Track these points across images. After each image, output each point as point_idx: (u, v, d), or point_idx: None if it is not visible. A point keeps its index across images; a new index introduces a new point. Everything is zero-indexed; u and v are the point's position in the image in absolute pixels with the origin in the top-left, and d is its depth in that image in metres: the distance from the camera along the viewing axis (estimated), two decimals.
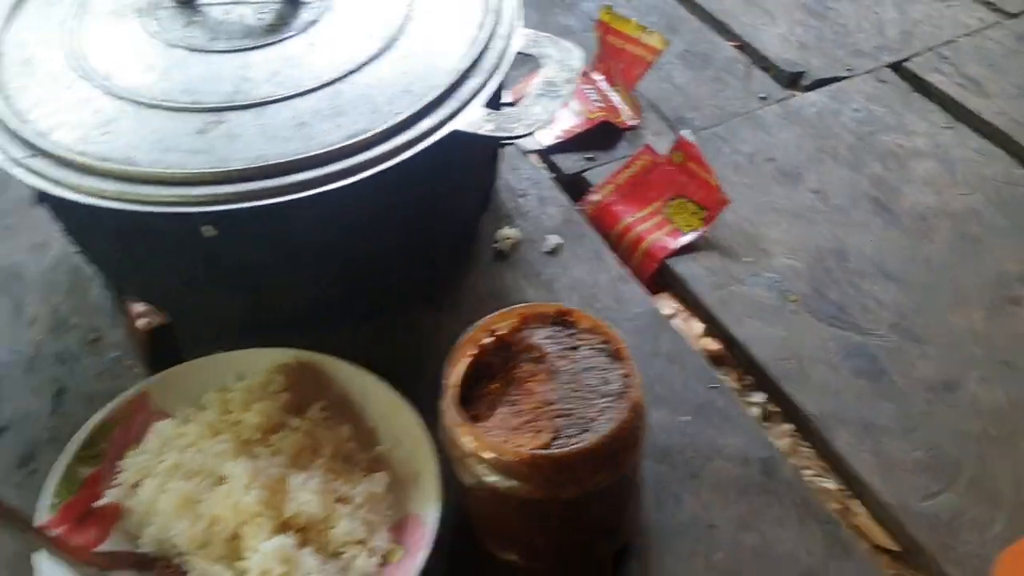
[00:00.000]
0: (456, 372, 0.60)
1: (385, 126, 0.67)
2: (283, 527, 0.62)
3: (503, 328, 0.62)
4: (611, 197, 0.90)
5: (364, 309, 0.80)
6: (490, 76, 0.72)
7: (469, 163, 0.79)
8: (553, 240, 0.86)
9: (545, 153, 0.97)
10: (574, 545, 0.63)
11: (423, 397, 0.75)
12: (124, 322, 0.83)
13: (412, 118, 0.68)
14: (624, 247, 0.87)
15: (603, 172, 0.93)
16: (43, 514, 0.63)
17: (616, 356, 0.60)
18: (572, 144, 0.97)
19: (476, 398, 0.60)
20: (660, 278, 0.86)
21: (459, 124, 0.69)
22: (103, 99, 0.71)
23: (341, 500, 0.64)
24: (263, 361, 0.72)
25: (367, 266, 0.76)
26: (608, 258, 0.85)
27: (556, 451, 0.55)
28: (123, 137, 0.68)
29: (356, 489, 0.65)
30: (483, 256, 0.86)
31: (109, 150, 0.67)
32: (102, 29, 0.77)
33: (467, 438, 0.57)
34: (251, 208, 0.64)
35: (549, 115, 0.70)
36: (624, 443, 0.57)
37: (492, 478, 0.57)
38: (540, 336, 0.62)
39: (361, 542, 0.63)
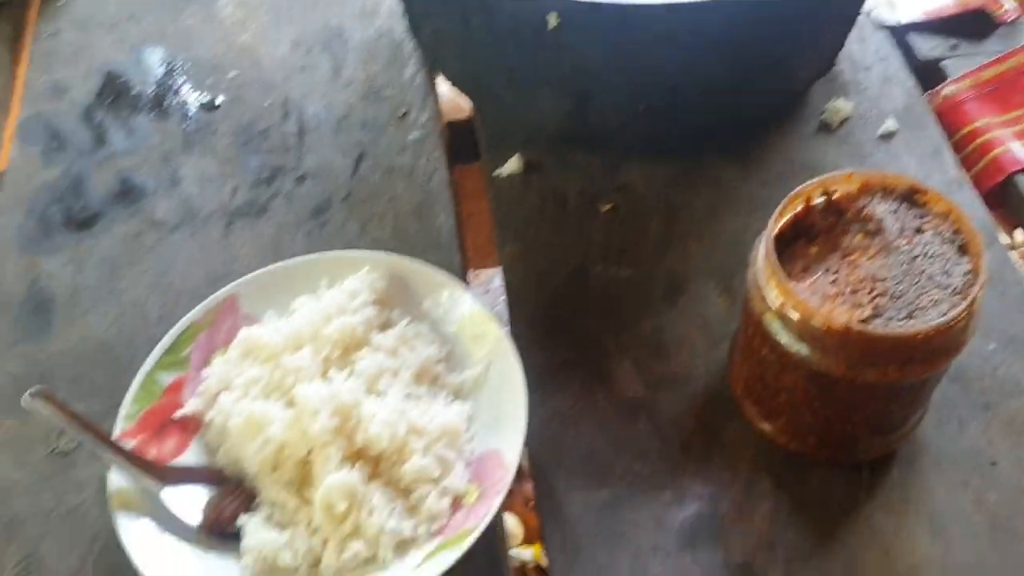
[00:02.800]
0: (781, 219, 0.55)
1: None
2: (356, 456, 0.58)
3: (840, 190, 0.57)
4: (967, 93, 0.80)
5: (672, 143, 0.77)
6: None
7: (834, 13, 0.72)
8: (890, 124, 0.78)
9: (902, 31, 0.87)
10: (842, 434, 0.59)
11: (713, 253, 0.72)
12: (432, 105, 0.84)
13: None
14: (968, 151, 0.78)
15: (964, 64, 0.83)
16: (121, 422, 0.61)
17: (965, 250, 0.54)
18: (935, 26, 0.86)
19: (789, 258, 0.56)
20: (1001, 194, 0.77)
21: None
22: None
23: (416, 432, 0.59)
24: (356, 267, 0.66)
25: (695, 99, 0.72)
26: (947, 157, 0.76)
27: (874, 329, 0.50)
28: None
29: (434, 421, 0.59)
30: (807, 125, 0.80)
31: None
32: None
33: (776, 292, 0.53)
34: (608, 3, 0.61)
35: None
36: (947, 344, 0.52)
37: (788, 340, 0.53)
38: (882, 209, 0.56)
39: (433, 480, 0.58)
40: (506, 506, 0.58)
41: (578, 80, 0.70)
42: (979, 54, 0.84)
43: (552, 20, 0.65)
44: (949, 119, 0.80)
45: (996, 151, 0.76)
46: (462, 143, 0.84)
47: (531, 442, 0.62)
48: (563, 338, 0.69)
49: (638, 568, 0.58)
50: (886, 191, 0.56)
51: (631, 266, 0.72)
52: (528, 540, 1.13)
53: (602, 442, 0.64)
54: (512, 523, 1.11)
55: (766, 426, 0.61)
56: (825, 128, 0.79)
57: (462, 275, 0.73)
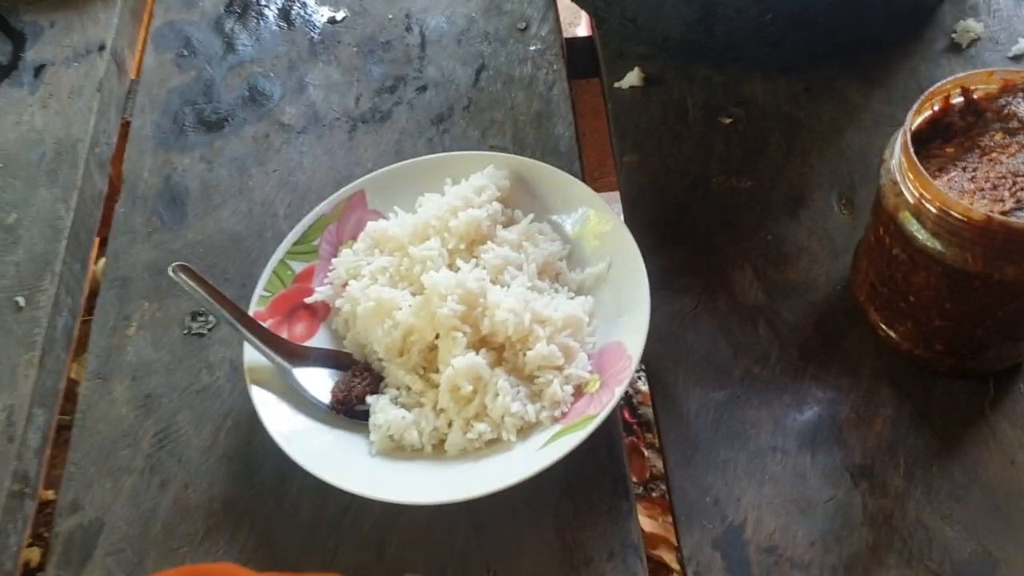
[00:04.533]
0: (918, 117, 0.55)
1: None
2: (480, 343, 0.59)
3: (980, 90, 0.56)
4: None
5: (797, 57, 0.76)
6: None
7: None
8: (1023, 45, 0.76)
9: None
10: (974, 339, 0.58)
11: (836, 167, 0.71)
12: (553, 19, 0.84)
13: None
14: None
15: None
16: (254, 305, 0.63)
17: None
18: None
19: (925, 157, 0.55)
20: None
21: None
22: None
23: (541, 322, 0.59)
24: (481, 166, 0.67)
25: (825, 10, 0.71)
26: None
27: (1016, 221, 0.50)
28: None
29: (558, 312, 0.60)
30: (935, 44, 0.78)
31: None
32: None
33: (913, 185, 0.52)
34: None
35: None
36: None
37: (925, 236, 0.53)
38: None
39: (557, 368, 0.59)
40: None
41: None
42: None
43: None
44: None
45: None
46: (579, 61, 0.85)
47: (651, 340, 0.63)
48: (682, 244, 0.69)
49: (756, 466, 0.59)
50: None
51: (751, 178, 0.72)
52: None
53: (722, 344, 0.64)
54: None
55: (891, 332, 0.61)
56: (955, 48, 0.77)
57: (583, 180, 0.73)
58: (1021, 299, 0.54)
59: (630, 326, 0.60)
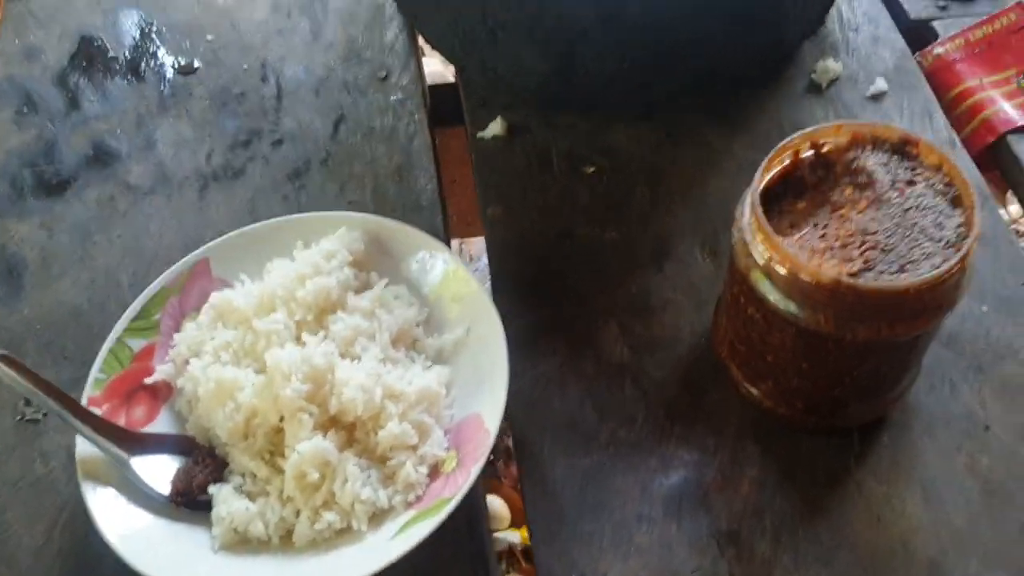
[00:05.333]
0: (767, 174, 0.54)
1: None
2: (330, 423, 0.56)
3: (829, 143, 0.55)
4: (958, 53, 0.79)
5: (657, 103, 0.75)
6: None
7: None
8: (880, 84, 0.76)
9: None
10: (832, 397, 0.57)
11: (699, 214, 0.70)
12: (414, 68, 0.82)
13: None
14: (959, 112, 0.77)
15: (954, 25, 0.81)
16: (89, 390, 0.59)
17: (957, 202, 0.52)
18: None
19: (777, 214, 0.54)
20: (992, 154, 0.75)
21: None
22: None
23: (393, 398, 0.56)
24: (333, 228, 0.64)
25: (681, 55, 0.70)
26: (938, 119, 0.75)
27: (864, 283, 0.49)
28: None
29: (412, 385, 0.57)
30: (795, 85, 0.78)
31: None
32: None
33: (763, 247, 0.51)
34: None
35: None
36: (939, 299, 0.50)
37: (777, 298, 0.52)
38: (873, 161, 0.54)
39: (411, 448, 0.56)
40: (490, 486, 0.56)
41: (563, 36, 0.69)
42: (968, 15, 0.82)
43: None
44: (940, 79, 0.78)
45: (987, 111, 0.75)
46: (444, 108, 0.83)
47: (515, 407, 0.61)
48: (548, 299, 0.67)
49: (622, 537, 0.57)
50: (877, 143, 0.55)
51: (616, 229, 0.71)
52: (515, 523, 1.12)
53: (588, 407, 0.62)
54: (498, 505, 1.10)
55: (752, 390, 0.60)
56: (814, 89, 0.77)
57: (444, 238, 0.71)
58: (875, 358, 0.53)
59: (489, 397, 0.57)
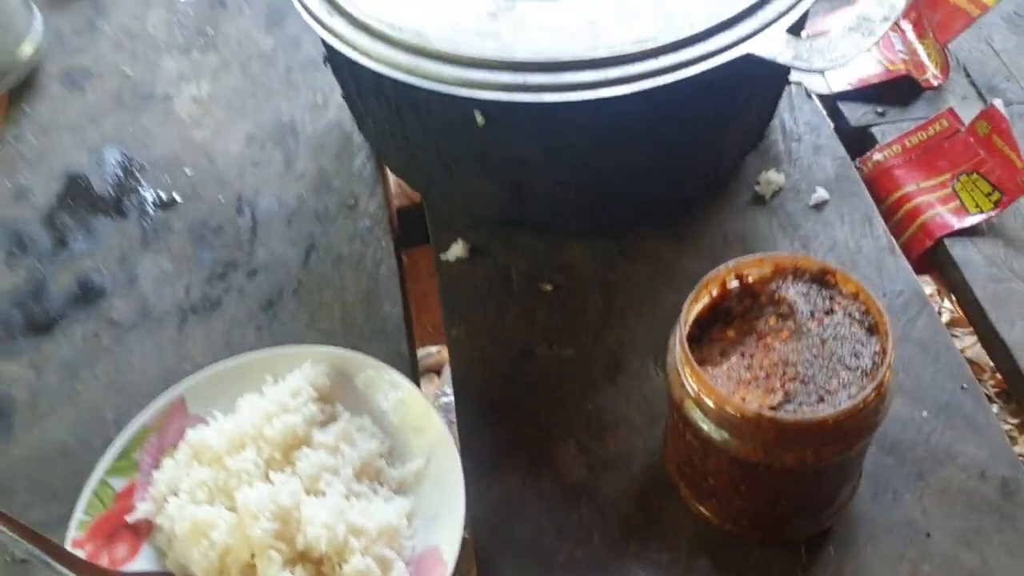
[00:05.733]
0: (694, 309, 0.57)
1: (677, 36, 0.64)
2: (299, 558, 0.59)
3: (753, 274, 0.59)
4: (896, 160, 0.83)
5: (607, 223, 0.79)
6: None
7: (754, 92, 0.74)
8: (821, 194, 0.80)
9: (832, 99, 0.89)
10: (773, 516, 0.60)
11: (651, 328, 0.74)
12: (381, 194, 0.86)
13: (707, 32, 0.65)
14: (898, 217, 0.80)
15: (892, 131, 0.85)
16: (73, 531, 0.62)
17: (874, 330, 0.55)
18: (863, 94, 0.89)
19: (709, 341, 0.58)
20: (931, 258, 0.79)
21: (756, 47, 0.65)
22: None
23: (356, 532, 0.59)
24: (299, 362, 0.68)
25: (624, 181, 0.74)
26: (878, 225, 0.79)
27: (784, 415, 0.52)
28: (419, 9, 0.68)
29: (373, 520, 0.60)
30: (740, 197, 0.82)
31: (403, 20, 0.67)
32: None
33: (691, 380, 0.54)
34: (526, 102, 0.64)
35: (857, 52, 0.64)
36: (860, 426, 0.53)
37: (708, 427, 0.55)
38: (793, 291, 0.58)
39: None
40: None
41: (511, 171, 0.73)
42: (906, 119, 0.87)
43: (479, 118, 0.67)
44: (880, 185, 0.82)
45: (925, 216, 0.79)
46: (414, 227, 0.87)
47: (478, 529, 0.64)
48: (509, 420, 0.70)
49: None
50: (797, 273, 0.58)
51: (573, 345, 0.74)
52: None
53: (546, 527, 0.65)
54: None
55: (701, 508, 0.62)
56: (758, 200, 0.81)
57: (410, 363, 0.75)
58: (807, 481, 0.56)
59: (447, 528, 0.60)
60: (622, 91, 0.63)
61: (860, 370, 0.54)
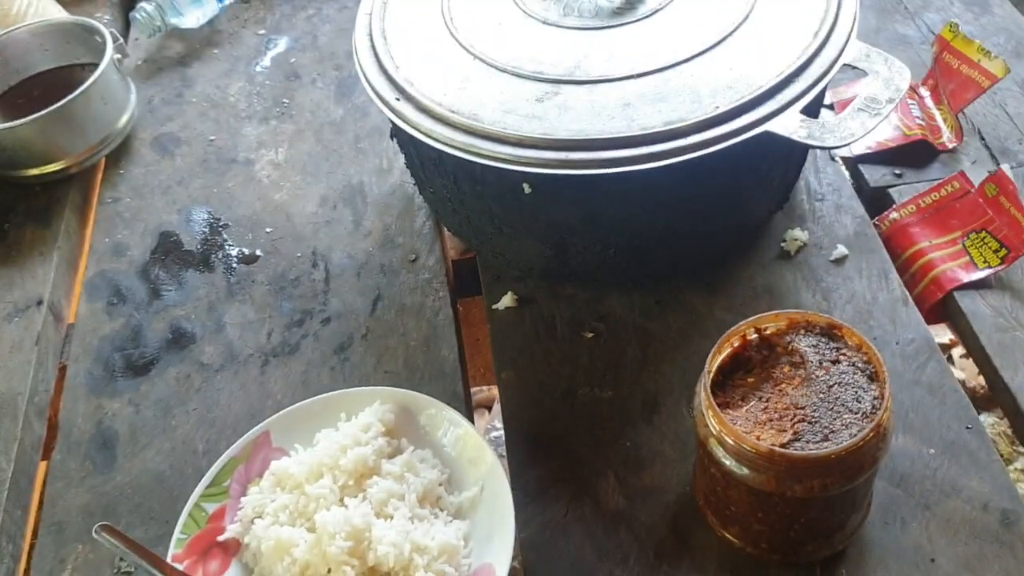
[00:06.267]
0: (717, 359, 0.65)
1: (703, 117, 0.73)
2: (368, 573, 0.68)
3: (771, 328, 0.67)
4: (911, 218, 0.90)
5: (644, 278, 0.87)
6: (813, 84, 0.75)
7: (776, 162, 0.82)
8: (841, 250, 0.88)
9: (853, 161, 0.97)
10: (789, 539, 0.67)
11: (685, 373, 0.82)
12: (439, 250, 0.95)
13: (730, 113, 0.73)
14: (912, 272, 0.87)
15: (909, 191, 0.93)
16: (173, 548, 0.71)
17: (874, 378, 0.63)
18: (883, 157, 0.97)
19: (732, 386, 0.66)
20: (942, 309, 0.85)
21: (773, 126, 0.73)
22: (463, 57, 0.82)
23: (419, 551, 0.67)
24: (369, 401, 0.77)
25: (658, 242, 0.83)
26: (893, 279, 0.86)
27: (792, 452, 0.60)
28: (474, 94, 0.78)
29: (435, 540, 0.68)
30: (767, 252, 0.90)
31: (460, 104, 0.77)
32: None
33: (714, 421, 0.62)
34: (568, 175, 0.73)
35: (865, 131, 0.72)
36: (859, 461, 0.60)
37: (729, 462, 0.63)
38: (805, 343, 0.65)
39: None
40: None
41: (554, 233, 0.82)
42: (922, 181, 0.94)
43: (526, 188, 0.76)
44: (896, 241, 0.89)
45: (936, 270, 0.86)
46: (468, 278, 0.96)
47: (527, 550, 0.72)
48: (554, 454, 0.79)
49: None
50: (808, 327, 0.66)
51: (612, 388, 0.82)
52: None
53: (588, 549, 0.73)
54: None
55: (725, 533, 0.70)
56: (784, 255, 0.89)
57: (464, 401, 0.83)
58: (817, 508, 0.64)
59: (499, 549, 0.68)
60: (653, 166, 0.71)
61: (861, 412, 0.61)
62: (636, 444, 0.78)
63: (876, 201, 0.94)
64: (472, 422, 0.83)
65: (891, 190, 0.94)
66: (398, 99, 0.80)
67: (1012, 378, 0.78)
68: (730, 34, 0.79)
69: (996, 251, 0.85)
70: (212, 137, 1.11)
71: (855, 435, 0.60)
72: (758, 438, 0.61)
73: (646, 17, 0.81)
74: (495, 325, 0.88)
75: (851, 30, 0.78)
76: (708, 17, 0.81)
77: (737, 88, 0.74)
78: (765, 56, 0.77)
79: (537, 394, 0.83)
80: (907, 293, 0.85)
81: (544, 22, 0.83)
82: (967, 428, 0.76)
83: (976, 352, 0.82)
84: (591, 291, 0.89)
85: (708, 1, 0.82)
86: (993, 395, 0.80)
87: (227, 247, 0.99)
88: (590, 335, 0.86)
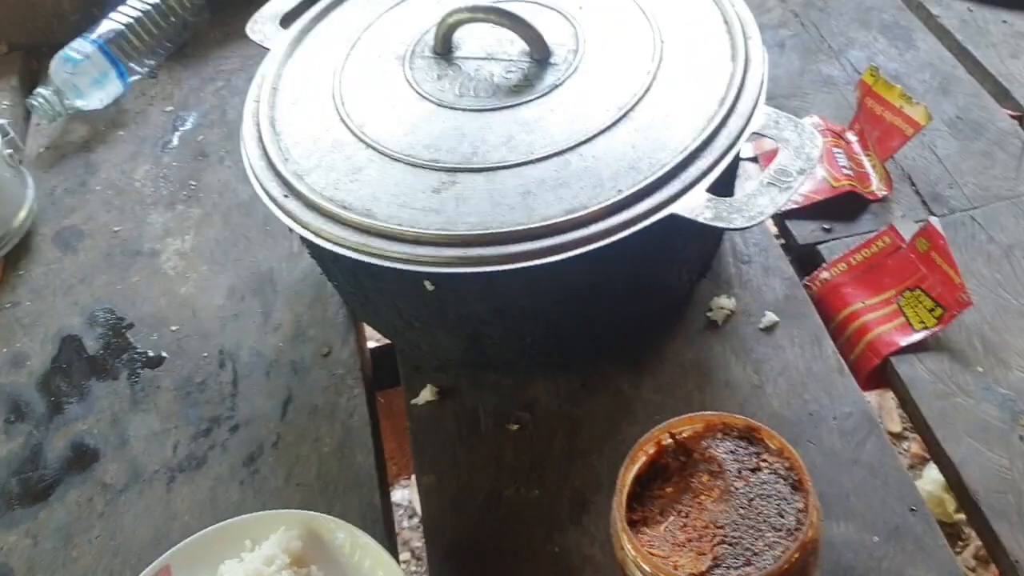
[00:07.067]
0: (631, 472, 0.60)
1: (605, 203, 0.68)
2: None
3: (686, 432, 0.62)
4: (842, 277, 0.86)
5: (565, 362, 0.83)
6: (720, 158, 0.71)
7: (690, 239, 0.78)
8: (771, 317, 0.84)
9: (780, 217, 0.93)
10: None
11: (614, 465, 0.76)
12: (353, 342, 0.90)
13: (633, 197, 0.69)
14: (846, 336, 0.83)
15: (839, 247, 0.89)
16: None
17: (797, 487, 0.58)
18: (810, 212, 0.92)
19: (650, 498, 0.61)
20: (880, 375, 0.81)
21: (679, 208, 0.68)
22: (355, 146, 0.77)
23: None
24: (274, 527, 0.72)
25: (575, 328, 0.78)
26: (827, 346, 0.82)
27: None
28: (367, 187, 0.73)
29: None
30: (694, 323, 0.85)
31: (352, 199, 0.72)
32: (364, 73, 0.83)
33: (629, 544, 0.57)
34: (471, 272, 0.68)
35: (775, 208, 0.68)
36: None
37: None
38: (722, 449, 0.61)
39: None
40: None
41: (467, 325, 0.77)
42: (852, 235, 0.90)
43: (428, 285, 0.71)
44: (828, 303, 0.85)
45: (871, 335, 0.81)
46: (390, 367, 0.91)
47: None
48: (480, 565, 0.74)
49: None
50: (726, 430, 0.61)
51: (539, 486, 0.77)
52: None
53: None
54: None
55: None
56: (712, 325, 0.85)
57: (383, 512, 0.78)
58: None
59: None
60: (556, 259, 0.67)
61: (785, 529, 0.57)
62: (565, 549, 0.73)
63: (806, 259, 0.90)
64: (393, 531, 0.78)
65: (821, 247, 0.90)
66: (286, 196, 0.75)
67: (955, 450, 0.74)
68: (632, 108, 0.74)
69: (931, 310, 0.81)
70: (117, 228, 1.06)
71: (779, 558, 0.55)
72: (675, 566, 0.56)
73: (545, 94, 0.77)
74: (415, 423, 0.83)
75: (758, 95, 0.74)
76: (609, 90, 0.76)
77: (640, 168, 0.70)
78: (669, 129, 0.72)
79: (460, 499, 0.78)
80: (842, 361, 0.80)
81: (439, 104, 0.78)
82: (911, 511, 0.71)
83: (917, 421, 0.78)
84: (516, 376, 0.84)
85: (609, 72, 0.78)
86: (939, 469, 0.76)
87: (131, 350, 0.93)
88: (515, 427, 0.81)
